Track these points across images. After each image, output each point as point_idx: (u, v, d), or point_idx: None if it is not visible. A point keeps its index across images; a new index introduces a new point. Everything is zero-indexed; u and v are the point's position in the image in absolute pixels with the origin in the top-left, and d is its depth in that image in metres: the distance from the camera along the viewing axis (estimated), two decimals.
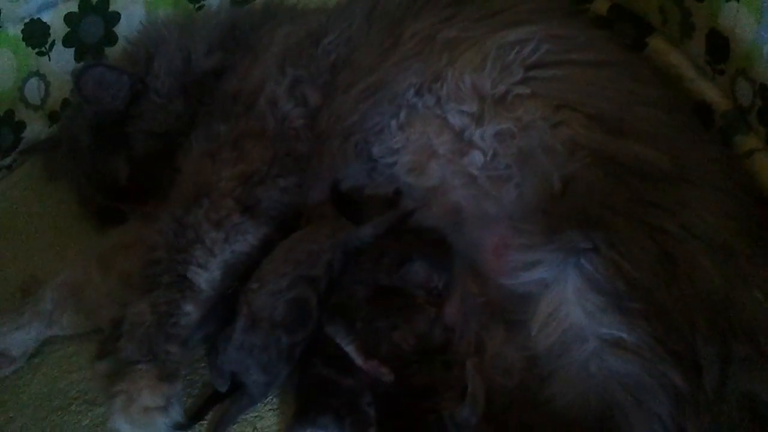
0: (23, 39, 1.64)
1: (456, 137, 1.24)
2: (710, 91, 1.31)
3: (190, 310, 1.23)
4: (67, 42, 1.69)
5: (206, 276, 1.24)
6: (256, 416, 1.20)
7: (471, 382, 1.07)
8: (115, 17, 1.75)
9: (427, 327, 1.18)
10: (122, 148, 1.46)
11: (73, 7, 1.70)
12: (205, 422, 1.20)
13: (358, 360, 1.12)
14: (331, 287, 1.23)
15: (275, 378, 1.18)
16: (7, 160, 1.70)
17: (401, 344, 1.16)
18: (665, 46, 1.40)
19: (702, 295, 1.01)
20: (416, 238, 1.27)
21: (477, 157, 1.21)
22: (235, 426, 1.19)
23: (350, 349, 1.14)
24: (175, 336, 1.21)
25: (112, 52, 1.71)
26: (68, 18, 1.69)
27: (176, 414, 1.17)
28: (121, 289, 1.31)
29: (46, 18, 1.65)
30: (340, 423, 1.12)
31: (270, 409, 1.21)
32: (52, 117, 1.74)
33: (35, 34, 1.65)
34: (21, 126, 1.70)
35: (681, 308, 1.00)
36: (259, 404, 1.21)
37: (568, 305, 1.01)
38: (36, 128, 1.71)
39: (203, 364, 1.26)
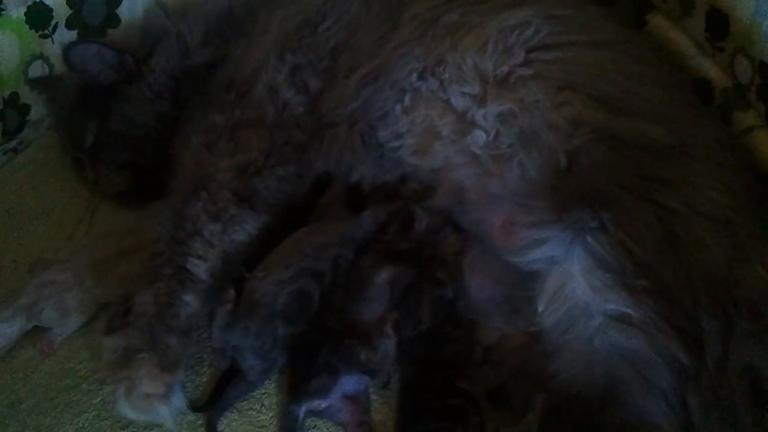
0: (26, 22, 1.63)
1: (459, 118, 1.25)
2: (710, 68, 1.31)
3: (190, 300, 1.24)
4: (69, 24, 1.68)
5: (206, 267, 1.25)
6: (263, 393, 1.23)
7: (532, 413, 1.07)
8: None
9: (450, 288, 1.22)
10: (97, 115, 1.49)
11: None
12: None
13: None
14: (335, 283, 1.24)
15: (272, 365, 1.20)
16: (13, 143, 1.69)
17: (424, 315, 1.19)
18: (665, 23, 1.40)
19: (705, 271, 1.03)
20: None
21: (479, 136, 1.22)
22: (243, 403, 1.21)
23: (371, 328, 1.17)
24: (175, 326, 1.22)
25: (115, 34, 1.70)
26: (71, 0, 1.69)
27: (178, 401, 1.18)
28: (122, 290, 1.33)
29: (48, 1, 1.64)
30: (334, 376, 1.15)
31: (276, 386, 1.23)
32: None
33: (38, 16, 1.64)
34: (26, 108, 1.69)
35: (684, 284, 1.01)
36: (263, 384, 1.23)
37: (575, 282, 1.02)
38: (41, 110, 1.71)
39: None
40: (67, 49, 1.49)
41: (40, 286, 1.32)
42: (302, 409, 1.15)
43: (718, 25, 1.26)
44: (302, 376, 1.17)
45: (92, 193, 1.56)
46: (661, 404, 0.99)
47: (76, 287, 1.32)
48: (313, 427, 1.19)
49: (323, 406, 1.16)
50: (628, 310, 0.99)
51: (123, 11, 1.71)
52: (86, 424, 1.22)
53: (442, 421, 1.09)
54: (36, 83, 1.67)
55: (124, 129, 1.48)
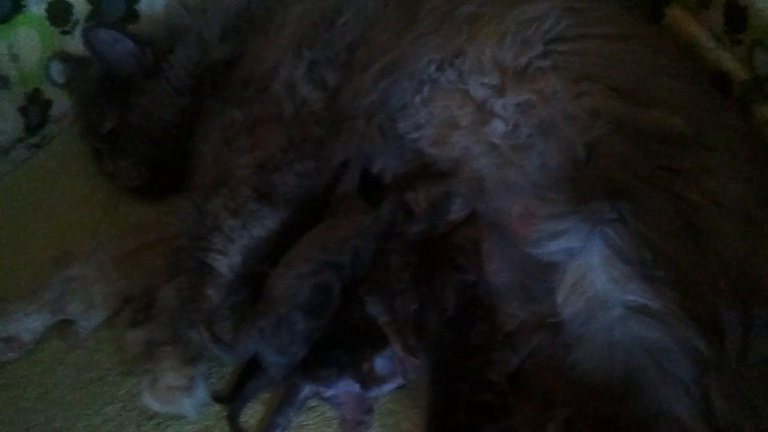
0: (47, 18, 1.65)
1: (478, 108, 1.25)
2: (728, 61, 1.31)
3: (212, 295, 1.25)
4: (90, 20, 1.70)
5: (226, 261, 1.27)
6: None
7: (554, 425, 1.09)
8: None
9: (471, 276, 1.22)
10: (118, 107, 1.50)
11: None
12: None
13: (396, 346, 1.15)
14: (356, 276, 1.25)
15: (292, 359, 1.20)
16: (36, 138, 1.71)
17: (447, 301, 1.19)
18: (683, 15, 1.40)
19: (724, 262, 1.03)
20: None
21: (499, 125, 1.22)
22: (266, 395, 1.22)
23: (388, 331, 1.16)
24: (197, 320, 1.23)
25: (136, 28, 1.71)
26: None
27: (200, 393, 1.20)
28: (147, 284, 1.34)
29: None
30: (339, 374, 1.16)
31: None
32: None
33: (59, 13, 1.66)
34: (48, 104, 1.71)
35: (704, 275, 1.01)
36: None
37: (594, 273, 1.03)
38: (63, 106, 1.73)
39: None
40: (87, 32, 1.50)
41: (65, 281, 1.33)
42: (307, 387, 1.17)
43: (737, 17, 1.26)
44: (317, 360, 1.18)
45: (112, 185, 1.57)
46: (681, 395, 0.99)
47: (100, 281, 1.34)
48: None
49: (327, 394, 1.19)
50: (648, 302, 1.00)
51: (142, 7, 1.73)
52: (113, 415, 1.23)
53: (476, 415, 1.09)
54: (66, 58, 1.68)
55: (142, 122, 1.49)
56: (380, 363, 1.17)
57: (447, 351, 1.15)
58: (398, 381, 1.17)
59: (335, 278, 1.22)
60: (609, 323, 1.02)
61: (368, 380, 1.16)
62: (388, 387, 1.18)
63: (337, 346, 1.19)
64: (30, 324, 1.30)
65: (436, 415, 1.13)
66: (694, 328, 0.99)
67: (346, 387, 1.17)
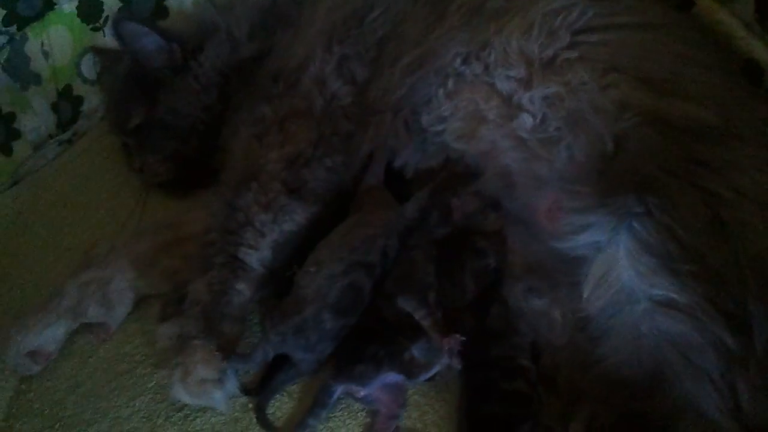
0: (78, 15, 1.67)
1: (504, 102, 1.24)
2: (759, 49, 1.29)
3: (243, 289, 1.27)
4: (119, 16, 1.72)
5: (257, 256, 1.28)
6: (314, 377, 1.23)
7: (577, 423, 1.08)
8: None
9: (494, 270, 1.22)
10: (146, 103, 1.50)
11: None
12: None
13: (436, 337, 1.14)
14: (385, 273, 1.25)
15: (321, 355, 1.21)
16: (68, 134, 1.74)
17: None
18: (713, 4, 1.37)
19: (752, 256, 1.02)
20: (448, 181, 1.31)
21: (526, 119, 1.21)
22: (293, 387, 1.23)
23: (425, 325, 1.15)
24: (229, 313, 1.25)
25: (166, 24, 1.73)
26: None
27: (231, 386, 1.20)
28: (166, 283, 1.36)
29: None
30: (377, 369, 1.15)
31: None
32: None
33: (90, 10, 1.68)
34: (79, 100, 1.74)
35: (732, 269, 1.00)
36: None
37: (621, 267, 1.02)
38: (93, 102, 1.75)
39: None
40: (117, 22, 1.50)
41: (81, 286, 1.34)
42: (339, 388, 1.17)
43: None
44: (349, 358, 1.18)
45: (139, 180, 1.58)
46: (708, 389, 0.98)
47: (115, 279, 1.35)
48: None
49: (361, 393, 1.18)
50: (675, 295, 0.99)
51: (171, 3, 1.75)
52: (142, 407, 1.25)
53: (510, 407, 1.10)
54: (98, 51, 1.70)
55: (170, 119, 1.50)
56: (417, 352, 1.17)
57: (469, 338, 1.14)
58: (437, 367, 1.17)
59: (366, 278, 1.22)
60: (636, 317, 1.02)
61: (413, 369, 1.16)
62: (430, 373, 1.18)
63: (370, 341, 1.18)
64: (52, 334, 1.31)
65: (470, 406, 1.14)
66: (721, 322, 0.98)
67: (383, 381, 1.17)
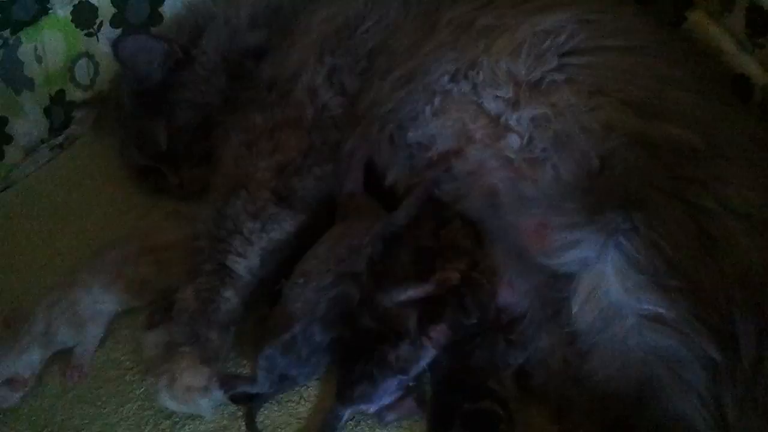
0: (72, 21, 1.67)
1: (492, 122, 1.24)
2: (750, 65, 1.30)
3: (230, 296, 1.26)
4: (114, 23, 1.71)
5: (245, 263, 1.28)
6: (303, 386, 1.24)
7: None
8: None
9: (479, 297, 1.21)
10: (162, 115, 1.50)
11: None
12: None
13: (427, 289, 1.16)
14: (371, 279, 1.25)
15: (315, 368, 1.22)
16: (59, 139, 1.73)
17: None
18: (705, 19, 1.39)
19: (739, 270, 1.02)
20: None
21: (514, 140, 1.21)
22: (282, 395, 1.23)
23: (419, 291, 1.18)
24: (216, 321, 1.25)
25: (158, 30, 1.74)
26: None
27: (218, 393, 1.20)
28: (136, 295, 1.36)
29: (94, 0, 1.69)
30: (373, 383, 1.15)
31: (316, 378, 1.25)
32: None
33: (84, 15, 1.68)
34: (71, 105, 1.74)
35: (719, 284, 1.01)
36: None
37: (609, 283, 1.02)
38: (85, 108, 1.75)
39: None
40: (117, 44, 1.50)
41: (48, 307, 1.32)
42: (347, 412, 1.17)
43: (759, 20, 1.26)
44: (347, 381, 1.19)
45: (176, 197, 1.57)
46: (695, 403, 0.99)
47: (84, 298, 1.33)
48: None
49: (372, 410, 1.18)
50: (662, 311, 0.99)
51: (166, 9, 1.75)
52: (130, 414, 1.24)
53: (471, 424, 1.09)
54: (81, 105, 1.72)
55: (191, 117, 1.50)
56: (401, 351, 1.17)
57: (446, 370, 1.16)
58: (430, 353, 1.16)
59: (354, 287, 1.23)
60: (624, 332, 1.02)
61: (403, 365, 1.16)
62: (422, 364, 1.17)
63: (355, 361, 1.19)
64: (26, 360, 1.28)
65: (434, 429, 1.14)
66: (707, 336, 0.98)
67: (387, 390, 1.17)
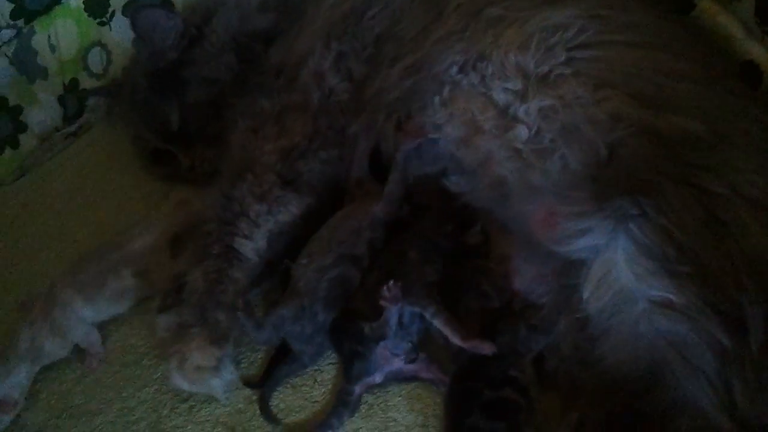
0: (85, 10, 1.69)
1: (500, 113, 1.24)
2: (758, 52, 1.30)
3: (238, 277, 1.29)
4: (126, 11, 1.73)
5: (252, 246, 1.30)
6: (316, 370, 1.26)
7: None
8: None
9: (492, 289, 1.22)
10: (175, 95, 1.51)
11: None
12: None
13: (455, 339, 1.14)
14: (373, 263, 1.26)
15: (320, 348, 1.24)
16: (73, 127, 1.75)
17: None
18: (713, 7, 1.38)
19: (748, 255, 1.02)
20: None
21: (522, 131, 1.21)
22: (297, 378, 1.25)
23: (439, 323, 1.15)
24: (224, 302, 1.27)
25: None
26: None
27: (228, 374, 1.23)
28: (119, 302, 1.38)
29: None
30: (362, 359, 1.18)
31: (329, 363, 1.26)
32: None
33: (96, 4, 1.70)
34: (85, 94, 1.76)
35: (728, 269, 1.01)
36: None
37: (619, 269, 1.03)
38: (99, 96, 1.76)
39: None
40: (135, 13, 1.50)
41: (31, 325, 1.33)
42: (357, 388, 1.19)
43: None
44: (343, 362, 1.22)
45: (188, 179, 1.57)
46: (705, 387, 0.99)
47: (65, 311, 1.33)
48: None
49: (377, 380, 1.20)
50: (671, 296, 1.00)
51: None
52: (147, 398, 1.27)
53: (493, 419, 1.09)
54: (94, 93, 1.73)
55: (202, 93, 1.51)
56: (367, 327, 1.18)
57: (466, 358, 1.16)
58: (393, 311, 1.15)
59: (354, 270, 1.25)
60: (634, 317, 1.03)
61: (380, 332, 1.16)
62: (393, 321, 1.16)
63: (339, 342, 1.22)
64: (14, 381, 1.28)
65: (452, 421, 1.14)
66: (716, 321, 0.99)
67: (379, 359, 1.18)
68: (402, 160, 1.31)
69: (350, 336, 1.19)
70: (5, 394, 1.27)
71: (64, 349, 1.33)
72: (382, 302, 1.14)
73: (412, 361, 1.17)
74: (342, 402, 1.18)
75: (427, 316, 1.16)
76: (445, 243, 1.27)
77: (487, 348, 1.11)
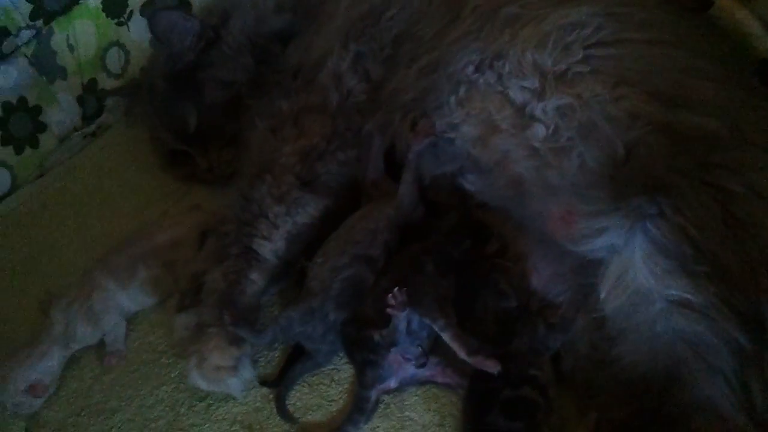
0: (103, 10, 1.69)
1: (517, 112, 1.24)
2: None
3: (256, 278, 1.30)
4: (144, 11, 1.74)
5: (270, 246, 1.31)
6: (333, 368, 1.27)
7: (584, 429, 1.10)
8: None
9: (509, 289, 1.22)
10: (192, 96, 1.52)
11: None
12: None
13: (461, 353, 1.13)
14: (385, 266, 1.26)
15: (333, 347, 1.24)
16: (92, 127, 1.76)
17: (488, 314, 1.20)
18: (732, 3, 1.37)
19: (765, 255, 1.02)
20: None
21: (539, 130, 1.21)
22: (314, 377, 1.26)
23: (447, 337, 1.15)
24: (242, 302, 1.28)
25: None
26: None
27: (246, 373, 1.24)
28: (149, 292, 1.39)
29: None
30: (374, 366, 1.18)
31: (346, 362, 1.26)
32: None
33: (114, 4, 1.70)
34: (104, 94, 1.77)
35: (745, 269, 1.01)
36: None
37: (636, 269, 1.03)
38: (118, 96, 1.77)
39: None
40: (153, 16, 1.52)
41: (65, 310, 1.34)
42: (373, 394, 1.19)
43: None
44: (356, 369, 1.22)
45: (206, 180, 1.59)
46: (722, 387, 0.99)
47: (99, 296, 1.35)
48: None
49: (392, 385, 1.20)
50: (689, 296, 1.00)
51: None
52: (165, 396, 1.28)
53: (511, 419, 1.09)
54: (113, 93, 1.74)
55: (219, 95, 1.52)
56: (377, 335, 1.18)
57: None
58: (401, 317, 1.15)
59: (368, 271, 1.25)
60: (651, 317, 1.03)
61: (390, 339, 1.16)
62: (402, 326, 1.15)
63: (351, 351, 1.23)
64: (46, 365, 1.29)
65: (471, 419, 1.15)
66: (734, 320, 0.99)
67: (393, 365, 1.18)
68: (413, 161, 1.31)
69: (361, 345, 1.19)
70: (38, 379, 1.28)
71: (94, 337, 1.34)
72: (389, 310, 1.14)
73: (422, 366, 1.17)
74: (358, 409, 1.19)
75: (436, 328, 1.15)
76: (462, 257, 1.26)
77: (491, 366, 1.10)
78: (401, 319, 1.15)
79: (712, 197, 1.05)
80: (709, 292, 0.99)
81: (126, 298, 1.37)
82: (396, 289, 1.14)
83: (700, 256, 1.01)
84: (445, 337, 1.15)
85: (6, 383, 1.26)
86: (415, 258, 1.24)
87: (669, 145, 1.10)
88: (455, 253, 1.25)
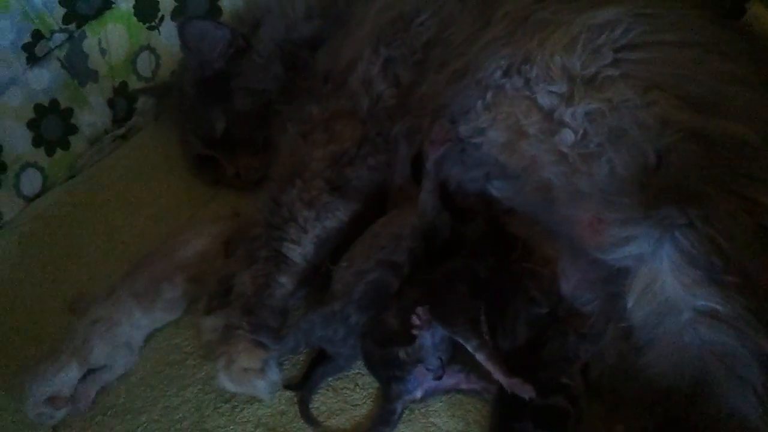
0: (135, 14, 1.71)
1: (545, 117, 1.23)
2: None
3: (285, 282, 1.30)
4: (175, 16, 1.75)
5: (299, 251, 1.32)
6: (357, 373, 1.27)
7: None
8: None
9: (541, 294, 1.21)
10: (222, 102, 1.53)
11: None
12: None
13: (497, 375, 1.12)
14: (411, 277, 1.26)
15: (355, 350, 1.24)
16: (122, 129, 1.78)
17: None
18: (765, 11, 1.37)
19: None
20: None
21: (568, 135, 1.20)
22: (338, 381, 1.26)
23: (481, 358, 1.14)
24: (270, 305, 1.28)
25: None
26: None
27: (273, 375, 1.24)
28: (173, 310, 1.39)
29: None
30: (400, 382, 1.18)
31: None
32: None
33: (146, 9, 1.72)
34: (134, 97, 1.78)
35: None
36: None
37: (664, 278, 1.02)
38: (148, 99, 1.79)
39: None
40: (183, 25, 1.53)
41: (89, 325, 1.32)
42: (399, 406, 1.19)
43: None
44: (382, 383, 1.22)
45: (233, 186, 1.60)
46: (750, 398, 0.98)
47: (123, 321, 1.34)
48: None
49: (418, 395, 1.19)
50: (717, 306, 0.99)
51: (225, 3, 1.79)
52: (191, 397, 1.28)
53: (541, 427, 1.09)
54: (143, 92, 1.76)
55: (249, 103, 1.53)
56: (403, 352, 1.18)
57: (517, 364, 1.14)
58: (426, 335, 1.15)
59: (393, 277, 1.25)
60: (679, 327, 1.02)
61: (416, 356, 1.16)
62: (428, 343, 1.16)
63: (375, 369, 1.23)
64: (65, 377, 1.27)
65: (501, 423, 1.14)
66: (763, 332, 0.98)
67: (419, 378, 1.18)
68: (432, 169, 1.30)
69: (387, 363, 1.19)
70: (57, 390, 1.27)
71: (108, 361, 1.32)
72: (414, 331, 1.14)
73: (439, 378, 1.17)
74: (384, 421, 1.18)
75: (470, 348, 1.15)
76: (487, 275, 1.25)
77: (527, 390, 1.09)
78: (426, 337, 1.15)
79: (743, 209, 1.04)
80: (738, 303, 0.98)
81: (148, 319, 1.37)
82: (419, 308, 1.14)
83: (730, 267, 1.00)
84: (479, 357, 1.14)
85: (25, 397, 1.26)
86: (446, 278, 1.24)
87: (700, 152, 1.09)
88: (481, 272, 1.24)
